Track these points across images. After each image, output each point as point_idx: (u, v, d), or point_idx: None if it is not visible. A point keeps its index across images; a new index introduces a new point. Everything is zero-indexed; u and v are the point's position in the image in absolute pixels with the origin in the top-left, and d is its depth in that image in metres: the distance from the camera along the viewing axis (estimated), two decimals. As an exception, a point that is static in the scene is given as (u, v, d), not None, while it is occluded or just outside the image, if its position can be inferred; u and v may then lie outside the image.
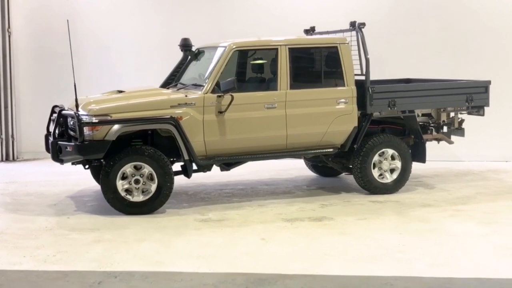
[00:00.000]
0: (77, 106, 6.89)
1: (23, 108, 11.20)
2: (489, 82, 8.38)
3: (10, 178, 9.19)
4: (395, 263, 5.29)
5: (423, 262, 5.35)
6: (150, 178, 6.96)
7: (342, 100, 7.68)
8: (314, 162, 8.80)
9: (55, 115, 7.30)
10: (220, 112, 7.15)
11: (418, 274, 5.01)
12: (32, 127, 10.98)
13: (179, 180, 8.15)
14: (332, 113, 7.63)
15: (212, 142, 7.17)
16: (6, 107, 10.80)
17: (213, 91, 7.16)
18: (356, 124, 7.78)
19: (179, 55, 8.32)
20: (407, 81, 9.12)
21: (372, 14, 10.56)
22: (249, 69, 7.79)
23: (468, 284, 4.84)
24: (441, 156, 10.29)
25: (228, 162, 7.44)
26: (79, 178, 8.67)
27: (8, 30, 10.77)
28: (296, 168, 9.61)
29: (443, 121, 8.48)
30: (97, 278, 4.92)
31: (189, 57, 8.20)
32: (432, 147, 9.80)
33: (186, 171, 7.28)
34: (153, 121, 6.94)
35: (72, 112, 6.90)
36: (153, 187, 6.95)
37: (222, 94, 7.10)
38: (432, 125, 8.57)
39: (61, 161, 6.97)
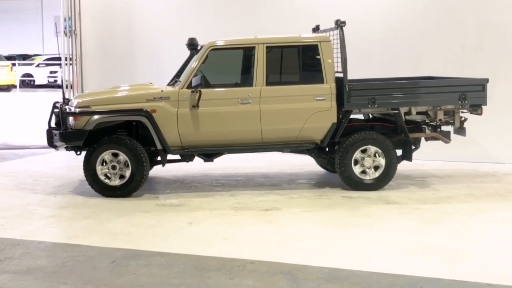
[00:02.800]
0: (63, 99, 7.84)
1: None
2: (486, 80, 8.07)
3: (62, 164, 10.32)
4: (281, 249, 5.56)
5: (310, 251, 5.54)
6: (126, 165, 7.70)
7: (320, 96, 7.87)
8: (315, 158, 8.99)
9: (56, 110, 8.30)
10: (194, 106, 7.70)
11: (283, 261, 5.23)
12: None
13: (189, 169, 9.05)
14: (308, 110, 7.85)
15: (186, 134, 7.74)
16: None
17: (189, 87, 7.72)
18: (335, 120, 7.92)
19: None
20: (428, 79, 8.96)
21: (401, 13, 10.49)
22: (227, 67, 8.23)
23: (319, 272, 4.98)
24: (477, 157, 9.98)
25: (203, 153, 7.96)
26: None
27: (74, 32, 12.08)
28: (310, 164, 9.79)
29: (440, 119, 8.30)
30: (15, 243, 5.72)
31: (194, 55, 8.80)
32: (466, 148, 9.64)
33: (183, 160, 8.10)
34: (127, 113, 7.68)
35: (58, 104, 7.86)
36: (128, 173, 7.69)
37: (194, 89, 7.63)
38: (429, 123, 8.41)
39: (55, 147, 7.95)
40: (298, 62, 8.04)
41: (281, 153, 8.61)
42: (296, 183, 8.56)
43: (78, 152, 8.06)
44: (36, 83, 27.60)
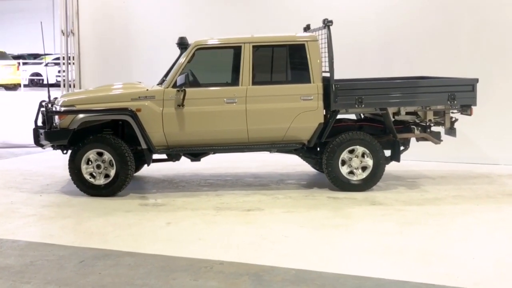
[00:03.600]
0: (49, 97, 7.85)
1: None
2: (476, 80, 7.95)
3: (56, 163, 10.33)
4: (252, 250, 5.52)
5: (281, 252, 5.49)
6: (111, 164, 7.69)
7: (307, 96, 7.80)
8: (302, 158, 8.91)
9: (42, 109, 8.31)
10: (179, 106, 7.66)
11: (252, 262, 5.18)
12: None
13: (179, 169, 8.99)
14: (294, 109, 7.78)
15: (171, 134, 7.71)
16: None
17: (174, 86, 7.70)
18: (321, 120, 7.86)
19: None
20: (421, 78, 8.86)
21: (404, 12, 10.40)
22: (213, 66, 8.19)
23: (286, 274, 4.92)
24: (473, 158, 9.87)
25: (189, 152, 7.93)
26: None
27: (72, 31, 12.12)
28: (306, 164, 9.71)
29: (429, 120, 8.19)
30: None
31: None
32: (462, 149, 9.52)
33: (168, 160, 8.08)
34: (112, 112, 7.66)
35: (44, 103, 7.86)
36: (112, 172, 7.68)
37: (179, 88, 7.60)
38: (419, 124, 8.31)
39: (42, 146, 7.96)
40: (285, 61, 7.98)
41: (272, 153, 8.53)
42: (284, 184, 8.51)
43: (65, 151, 8.05)
44: (45, 82, 27.80)
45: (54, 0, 12.49)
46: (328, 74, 7.84)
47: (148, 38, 12.10)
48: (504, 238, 5.97)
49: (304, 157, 8.34)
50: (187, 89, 7.60)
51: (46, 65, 25.21)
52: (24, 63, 27.59)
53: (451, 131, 8.29)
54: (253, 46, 7.80)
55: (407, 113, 8.16)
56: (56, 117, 7.70)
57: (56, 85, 26.36)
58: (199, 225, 6.40)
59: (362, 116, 8.69)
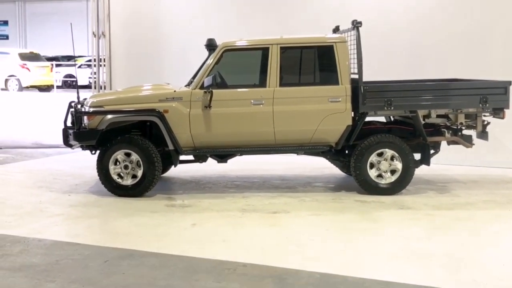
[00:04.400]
0: (78, 98, 7.92)
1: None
2: (509, 83, 7.78)
3: (85, 164, 10.39)
4: (276, 253, 5.47)
5: (305, 255, 5.43)
6: (139, 165, 7.72)
7: (335, 98, 7.73)
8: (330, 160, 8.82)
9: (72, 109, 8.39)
10: (206, 107, 7.66)
11: (276, 265, 5.13)
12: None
13: (206, 170, 9.00)
14: (322, 111, 7.71)
15: (198, 135, 7.71)
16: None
17: (201, 87, 7.69)
18: (350, 122, 7.77)
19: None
20: (453, 81, 8.72)
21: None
22: (242, 67, 8.17)
23: (310, 277, 4.86)
24: (506, 163, 9.67)
25: (215, 154, 7.92)
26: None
27: (103, 34, 12.23)
28: (333, 167, 9.64)
29: (461, 123, 8.05)
30: (17, 241, 5.80)
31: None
32: (495, 153, 9.33)
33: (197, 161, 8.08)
34: (140, 113, 7.69)
35: (73, 104, 7.93)
36: (139, 173, 7.71)
37: (206, 90, 7.60)
38: (450, 127, 8.17)
39: (70, 146, 8.04)
40: (313, 63, 7.93)
41: (300, 155, 8.47)
42: (311, 186, 8.44)
43: (93, 152, 8.10)
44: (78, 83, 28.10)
45: (88, 3, 12.63)
46: (356, 76, 7.75)
47: (177, 41, 12.14)
48: (536, 245, 5.81)
49: (332, 160, 8.26)
50: (214, 91, 7.57)
51: (79, 66, 25.55)
52: (57, 65, 27.97)
53: (483, 134, 8.12)
54: (281, 48, 7.76)
55: (437, 116, 8.02)
56: (85, 117, 7.75)
57: (89, 86, 26.71)
58: (224, 226, 6.37)
59: (392, 119, 8.57)
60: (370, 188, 7.82)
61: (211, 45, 8.63)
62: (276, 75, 7.69)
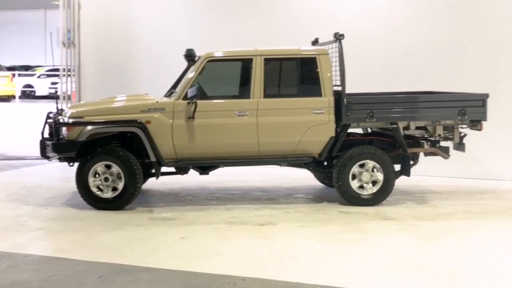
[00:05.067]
0: (57, 109, 7.72)
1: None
2: (486, 96, 7.95)
3: (56, 176, 10.20)
4: (274, 266, 5.42)
5: (303, 268, 5.40)
6: (119, 177, 7.56)
7: (318, 110, 7.74)
8: (312, 172, 8.83)
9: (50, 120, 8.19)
10: (189, 118, 7.57)
11: (276, 278, 5.08)
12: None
13: (184, 182, 8.86)
14: (306, 123, 7.72)
15: (181, 146, 7.61)
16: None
17: (184, 98, 7.61)
18: (333, 134, 7.79)
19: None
20: (428, 93, 8.82)
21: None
22: (225, 78, 8.13)
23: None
24: (477, 174, 9.85)
25: (198, 165, 7.82)
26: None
27: (73, 43, 12.01)
28: (310, 178, 9.66)
29: (439, 135, 8.17)
30: (2, 256, 5.59)
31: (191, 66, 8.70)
32: (466, 164, 9.46)
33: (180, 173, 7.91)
34: (121, 124, 7.55)
35: (52, 115, 7.74)
36: (120, 185, 7.55)
37: (190, 101, 7.52)
38: (428, 138, 8.28)
39: (48, 158, 7.82)
40: (296, 74, 7.95)
41: (279, 166, 8.46)
42: (293, 198, 8.42)
43: (71, 164, 7.92)
44: (37, 94, 27.53)
45: (46, 13, 12.37)
46: (337, 88, 7.79)
47: (149, 50, 12.02)
48: (524, 254, 5.91)
49: (313, 171, 8.27)
50: (198, 102, 7.49)
51: (39, 76, 24.99)
52: (18, 75, 27.34)
53: (460, 146, 8.27)
54: (265, 59, 7.74)
55: (416, 128, 8.12)
56: (64, 128, 7.57)
57: (49, 97, 26.20)
58: (214, 239, 6.29)
59: (369, 131, 8.63)
60: (352, 199, 7.86)
61: (190, 56, 8.55)
62: (260, 86, 7.67)
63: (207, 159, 7.76)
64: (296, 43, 8.51)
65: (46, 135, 7.87)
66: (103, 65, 12.23)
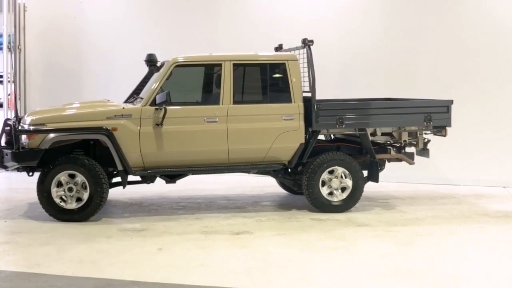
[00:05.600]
0: (16, 116, 7.30)
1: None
2: (450, 102, 8.08)
3: (4, 186, 9.71)
4: (263, 276, 5.27)
5: (293, 277, 5.28)
6: (84, 187, 7.22)
7: (288, 116, 7.65)
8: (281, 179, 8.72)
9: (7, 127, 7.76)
10: (158, 125, 7.32)
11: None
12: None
13: (145, 191, 8.52)
14: (276, 129, 7.62)
15: (149, 154, 7.34)
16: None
17: (152, 104, 7.34)
18: (302, 140, 7.72)
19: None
20: (388, 100, 8.89)
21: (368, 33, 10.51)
22: (193, 84, 7.93)
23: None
24: (435, 179, 10.00)
25: (166, 174, 7.57)
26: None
27: (18, 47, 11.46)
28: (272, 186, 9.57)
29: (404, 141, 8.23)
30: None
31: (154, 71, 8.43)
32: (424, 170, 9.57)
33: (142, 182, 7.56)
34: (86, 131, 7.21)
35: (11, 122, 7.31)
36: (85, 195, 7.21)
37: (158, 107, 7.27)
38: (393, 145, 8.34)
39: (5, 167, 7.37)
40: (265, 80, 7.83)
41: (237, 174, 8.29)
42: (261, 206, 8.30)
43: (31, 173, 7.51)
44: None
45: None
46: (306, 94, 7.74)
47: (99, 56, 11.67)
48: (503, 257, 5.99)
49: (282, 178, 8.16)
50: (167, 108, 7.27)
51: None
52: None
53: (424, 152, 8.38)
54: (234, 64, 7.59)
55: (382, 134, 8.17)
56: (24, 136, 7.16)
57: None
58: (193, 250, 6.08)
59: (332, 137, 8.62)
60: (322, 206, 7.81)
61: (151, 61, 8.28)
62: (229, 92, 7.52)
63: (176, 167, 7.53)
64: (255, 49, 8.41)
65: (2, 143, 7.44)
66: (51, 70, 11.75)
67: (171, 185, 7.95)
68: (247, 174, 8.30)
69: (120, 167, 7.28)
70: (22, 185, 9.70)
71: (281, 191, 9.18)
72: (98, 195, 7.20)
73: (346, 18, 10.62)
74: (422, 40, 10.21)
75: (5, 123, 7.52)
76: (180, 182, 7.91)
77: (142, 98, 7.73)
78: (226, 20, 11.06)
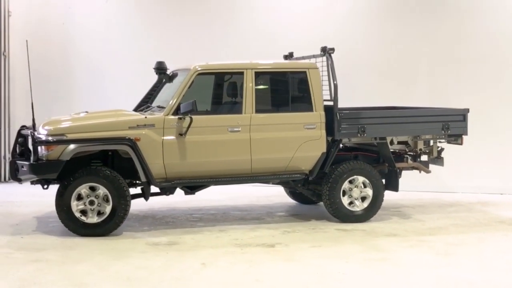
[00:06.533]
0: (34, 125, 6.91)
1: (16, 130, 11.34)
2: (467, 111, 8.13)
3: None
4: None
5: (356, 291, 5.13)
6: (106, 199, 6.90)
7: (310, 125, 7.53)
8: (292, 189, 8.60)
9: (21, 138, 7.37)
10: (181, 135, 7.07)
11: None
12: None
13: (153, 203, 8.18)
14: (299, 138, 7.49)
15: (172, 165, 7.08)
16: (-1, 128, 10.97)
17: (175, 113, 7.09)
18: (324, 150, 7.61)
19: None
20: (392, 109, 8.89)
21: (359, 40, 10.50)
22: (215, 92, 7.72)
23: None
24: (433, 187, 10.05)
25: (189, 185, 7.33)
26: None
27: (3, 54, 10.95)
28: (277, 195, 9.48)
29: (420, 149, 8.24)
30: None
31: (164, 80, 8.18)
32: (423, 177, 9.56)
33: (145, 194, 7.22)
34: (109, 141, 6.90)
35: (28, 132, 6.91)
36: (108, 208, 6.89)
37: (182, 116, 7.03)
38: (408, 153, 8.32)
39: (19, 180, 6.97)
40: (287, 89, 7.68)
41: (273, 184, 8.10)
42: (278, 216, 8.16)
43: (46, 186, 7.14)
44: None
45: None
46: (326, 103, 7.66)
47: (89, 63, 11.29)
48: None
49: (302, 189, 8.01)
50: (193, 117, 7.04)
51: None
52: None
53: (438, 160, 8.40)
54: (255, 72, 7.42)
55: (398, 143, 8.15)
56: (41, 147, 6.78)
57: None
58: (238, 264, 5.86)
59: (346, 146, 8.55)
60: (343, 216, 7.72)
61: (161, 68, 8.07)
62: (252, 100, 7.35)
63: (198, 177, 7.30)
64: (253, 56, 8.28)
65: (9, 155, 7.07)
66: (38, 78, 11.24)
67: (175, 196, 7.65)
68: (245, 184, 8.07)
69: (143, 179, 7.00)
70: (17, 198, 9.32)
71: (288, 200, 9.06)
72: (122, 208, 6.90)
73: (344, 25, 10.61)
74: (421, 49, 10.29)
75: (19, 134, 7.11)
76: (181, 192, 7.62)
77: (156, 107, 7.47)
78: (223, 26, 10.90)
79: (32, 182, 7.11)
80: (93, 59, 11.19)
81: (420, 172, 8.48)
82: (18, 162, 6.92)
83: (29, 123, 11.07)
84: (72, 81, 11.29)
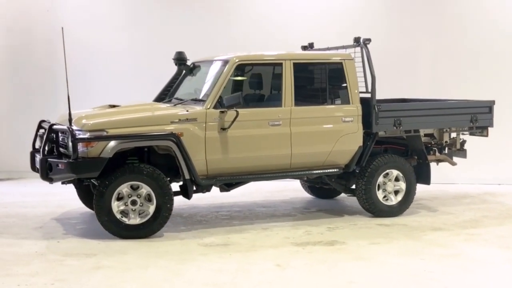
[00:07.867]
0: (70, 120, 6.34)
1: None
2: (493, 102, 8.16)
3: (8, 199, 8.53)
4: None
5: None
6: (148, 199, 6.44)
7: (348, 118, 7.32)
8: (312, 183, 8.38)
9: (42, 130, 6.78)
10: (223, 129, 6.70)
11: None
12: (7, 144, 10.41)
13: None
14: (337, 132, 7.27)
15: (214, 161, 6.71)
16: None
17: (215, 107, 6.71)
18: (361, 143, 7.43)
19: (168, 68, 7.95)
20: (403, 101, 8.81)
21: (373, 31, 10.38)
22: (252, 84, 7.37)
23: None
24: (433, 178, 10.05)
25: (230, 182, 6.97)
26: (61, 199, 8.28)
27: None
28: (289, 190, 9.28)
29: (446, 141, 8.21)
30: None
31: (184, 71, 7.77)
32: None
33: (186, 192, 6.79)
34: (152, 137, 6.45)
35: (65, 127, 6.34)
36: (151, 208, 6.44)
37: (226, 109, 6.65)
38: (434, 145, 8.27)
39: (51, 180, 6.40)
40: (324, 81, 7.43)
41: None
42: (307, 212, 7.98)
43: (78, 186, 6.59)
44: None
45: None
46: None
47: (75, 53, 10.57)
48: None
49: (335, 183, 7.80)
50: (231, 111, 6.68)
51: None
52: None
53: (461, 152, 8.40)
54: (294, 64, 7.14)
55: (424, 135, 8.09)
56: (80, 144, 6.25)
57: None
58: (313, 266, 5.59)
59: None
60: (378, 210, 7.58)
61: (180, 59, 7.71)
62: (291, 93, 7.07)
63: (238, 173, 6.96)
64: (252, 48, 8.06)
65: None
66: (20, 69, 10.54)
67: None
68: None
69: (187, 176, 6.58)
70: (17, 198, 8.70)
71: (304, 195, 8.87)
72: (167, 207, 6.48)
73: (346, 18, 10.47)
74: (422, 40, 10.29)
75: (50, 129, 6.52)
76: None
77: (180, 100, 7.07)
78: (219, 18, 10.56)
79: (64, 182, 6.55)
80: (82, 49, 10.53)
81: (437, 164, 8.43)
82: (51, 160, 6.33)
83: (14, 118, 10.45)
84: (58, 72, 10.54)
